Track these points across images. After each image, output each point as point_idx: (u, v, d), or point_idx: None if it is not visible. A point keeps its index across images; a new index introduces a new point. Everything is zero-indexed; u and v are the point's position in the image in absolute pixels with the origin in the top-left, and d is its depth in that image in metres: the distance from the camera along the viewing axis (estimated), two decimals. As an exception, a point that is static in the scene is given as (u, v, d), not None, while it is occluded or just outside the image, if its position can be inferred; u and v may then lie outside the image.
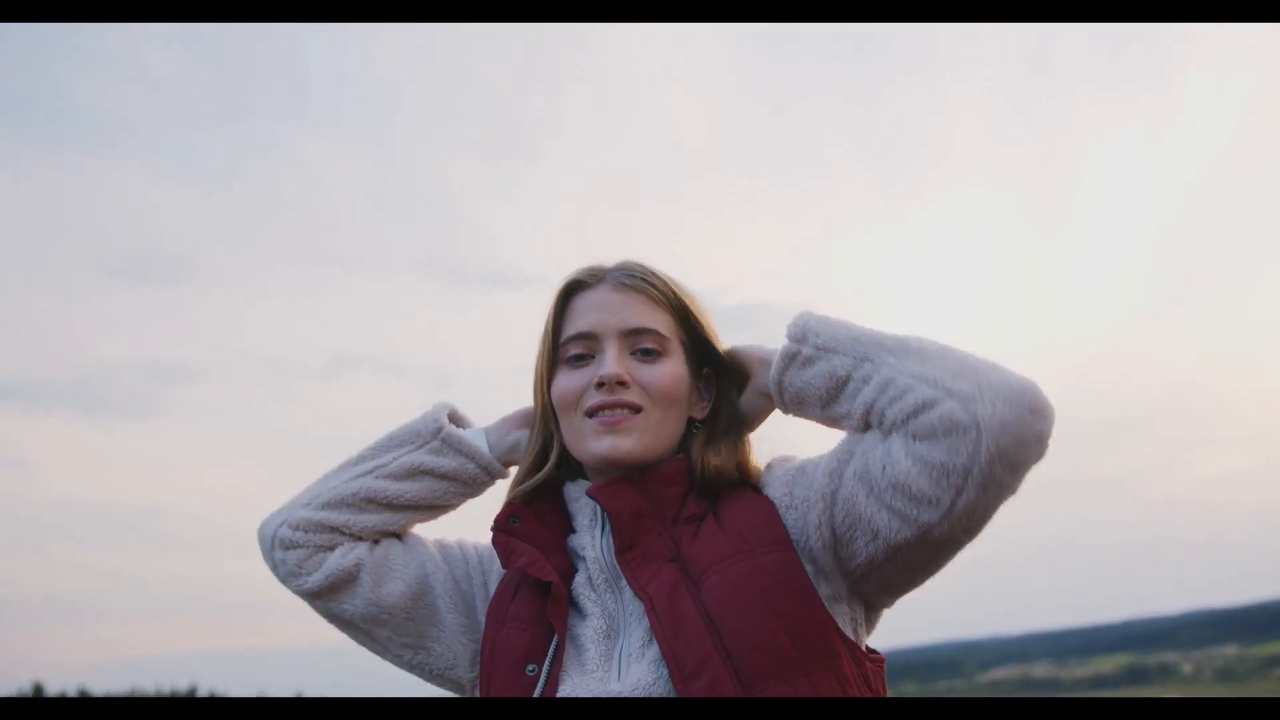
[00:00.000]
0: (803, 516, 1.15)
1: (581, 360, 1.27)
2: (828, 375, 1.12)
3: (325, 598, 1.33)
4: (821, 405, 1.15)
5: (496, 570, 1.37)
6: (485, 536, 1.33)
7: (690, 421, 1.31)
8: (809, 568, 1.13)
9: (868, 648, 1.19)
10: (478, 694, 1.29)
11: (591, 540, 1.24)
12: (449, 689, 1.38)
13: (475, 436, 1.38)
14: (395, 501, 1.34)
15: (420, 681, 1.39)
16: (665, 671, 1.09)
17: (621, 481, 1.22)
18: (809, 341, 1.14)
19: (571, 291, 1.31)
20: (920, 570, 1.13)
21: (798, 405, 1.19)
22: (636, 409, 1.23)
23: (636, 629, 1.16)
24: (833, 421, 1.16)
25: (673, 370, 1.26)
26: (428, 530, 1.43)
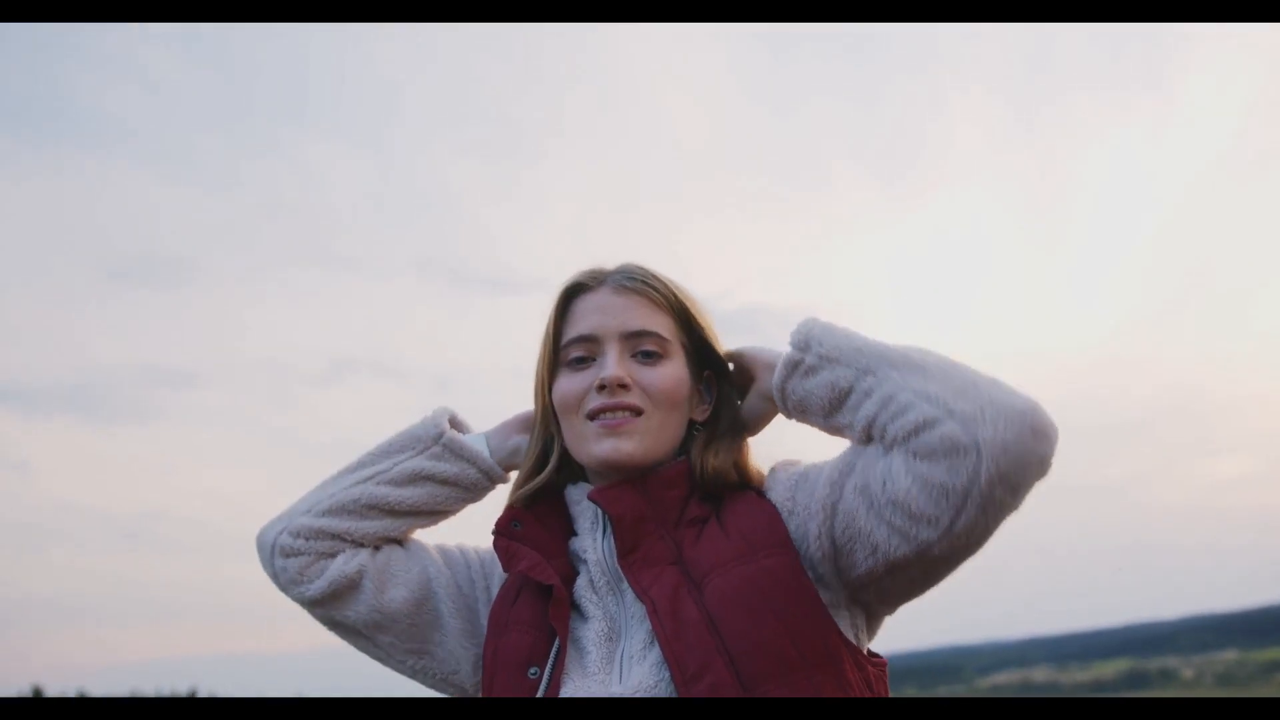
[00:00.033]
0: (803, 524, 1.14)
1: (583, 363, 1.27)
2: (830, 386, 1.11)
3: (327, 605, 1.32)
4: (824, 415, 1.15)
5: (498, 575, 1.37)
6: (486, 541, 1.33)
7: (691, 424, 1.31)
8: (809, 574, 1.13)
9: (870, 651, 1.19)
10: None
11: (593, 543, 1.24)
12: (452, 694, 1.38)
13: (476, 441, 1.38)
14: (397, 507, 1.34)
15: (421, 686, 1.39)
16: (667, 674, 1.08)
17: (623, 485, 1.22)
18: (812, 350, 1.13)
19: (572, 294, 1.31)
20: (920, 583, 1.12)
21: (800, 413, 1.19)
22: (638, 411, 1.23)
23: (638, 631, 1.16)
24: (835, 431, 1.16)
25: (674, 373, 1.26)
26: (428, 535, 1.43)
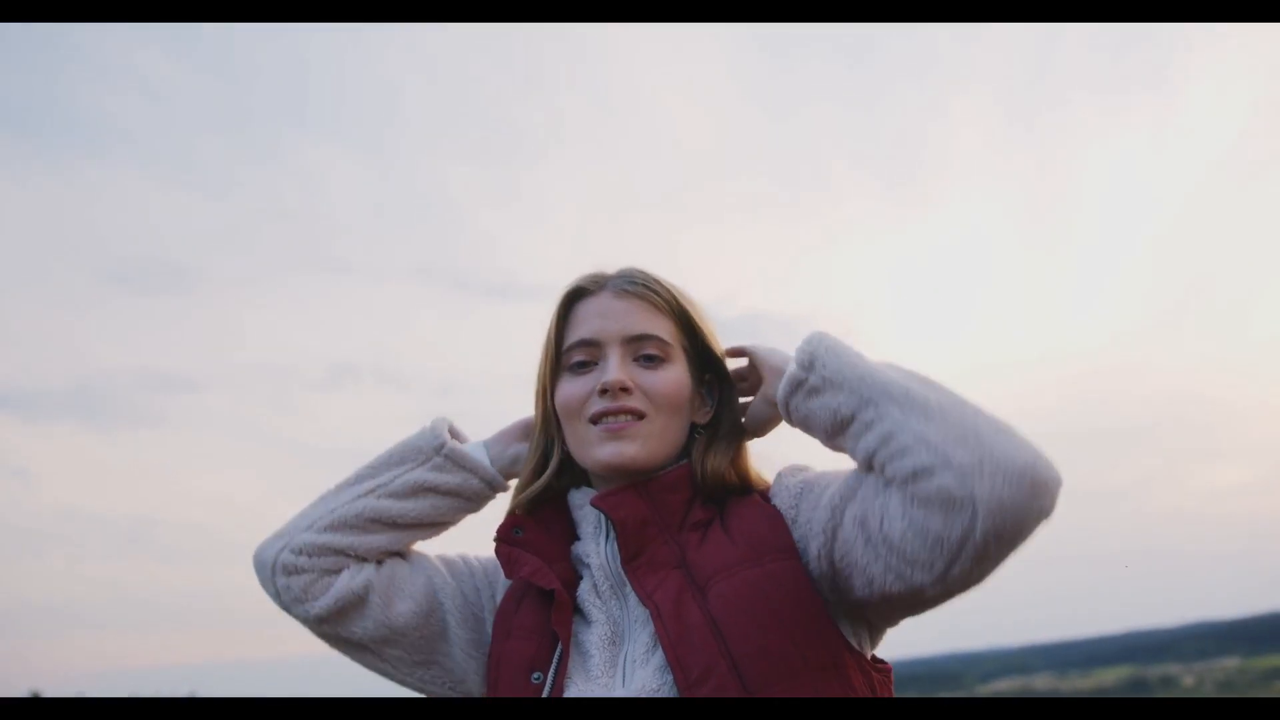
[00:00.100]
0: (805, 538, 1.14)
1: (584, 367, 1.26)
2: (832, 412, 1.10)
3: (333, 622, 1.30)
4: (825, 436, 1.13)
5: (502, 582, 1.37)
6: (487, 549, 1.32)
7: (694, 427, 1.31)
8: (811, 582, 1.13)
9: (874, 657, 1.19)
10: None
11: (596, 548, 1.24)
12: None
13: (476, 451, 1.37)
14: (400, 520, 1.33)
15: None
16: (670, 678, 1.08)
17: (626, 489, 1.22)
18: (816, 371, 1.11)
19: (573, 299, 1.31)
20: (919, 610, 1.11)
21: (804, 428, 1.18)
22: (640, 415, 1.22)
23: (641, 635, 1.16)
24: (837, 450, 1.15)
25: (675, 376, 1.26)
26: (429, 545, 1.42)
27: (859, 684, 1.09)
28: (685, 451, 1.29)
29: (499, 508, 1.35)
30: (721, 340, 1.34)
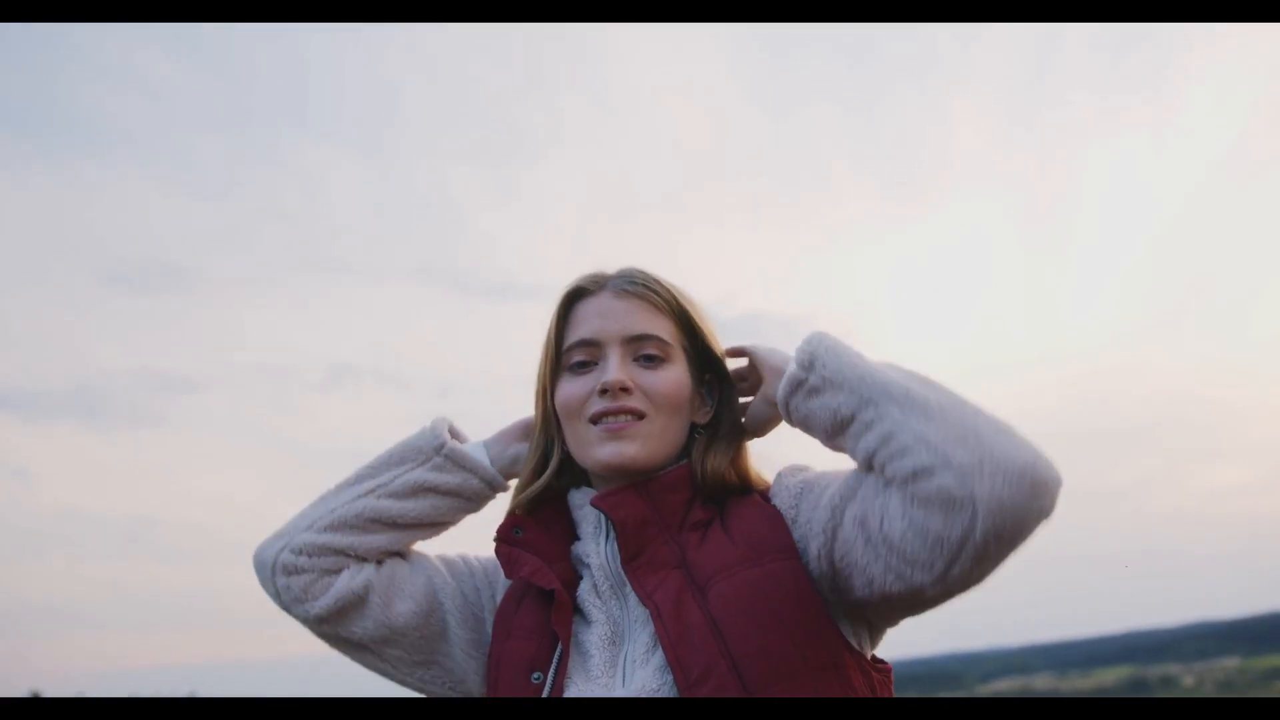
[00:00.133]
0: (804, 538, 1.14)
1: (584, 367, 1.27)
2: (832, 412, 1.09)
3: (333, 622, 1.30)
4: (825, 436, 1.13)
5: (502, 582, 1.37)
6: (487, 549, 1.33)
7: (694, 427, 1.31)
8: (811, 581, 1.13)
9: (874, 657, 1.19)
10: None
11: (596, 548, 1.24)
12: None
13: (476, 451, 1.37)
14: (400, 520, 1.33)
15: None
16: (670, 678, 1.08)
17: (626, 489, 1.22)
18: (815, 371, 1.11)
19: (573, 299, 1.31)
20: (920, 610, 1.11)
21: (804, 428, 1.18)
22: (640, 415, 1.23)
23: (641, 635, 1.16)
24: (837, 450, 1.15)
25: (675, 376, 1.26)
26: (429, 545, 1.42)
27: (859, 684, 1.09)
28: (685, 451, 1.29)
29: (499, 508, 1.35)
30: (721, 340, 1.34)
